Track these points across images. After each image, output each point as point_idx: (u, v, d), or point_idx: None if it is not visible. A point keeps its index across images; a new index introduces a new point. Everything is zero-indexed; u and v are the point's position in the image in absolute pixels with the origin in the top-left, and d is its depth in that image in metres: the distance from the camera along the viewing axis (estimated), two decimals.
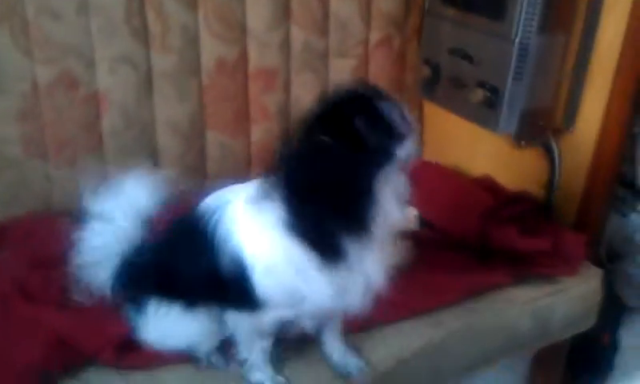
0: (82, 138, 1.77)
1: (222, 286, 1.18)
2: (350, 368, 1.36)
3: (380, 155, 1.09)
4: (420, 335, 1.45)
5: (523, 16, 1.62)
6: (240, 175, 1.96)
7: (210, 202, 1.24)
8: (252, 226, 1.16)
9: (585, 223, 1.83)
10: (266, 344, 1.29)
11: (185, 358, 1.32)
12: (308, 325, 1.28)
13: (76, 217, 1.69)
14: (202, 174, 1.96)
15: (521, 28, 1.63)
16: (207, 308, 1.27)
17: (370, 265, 1.14)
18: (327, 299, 1.16)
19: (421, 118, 2.28)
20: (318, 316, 1.28)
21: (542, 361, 1.91)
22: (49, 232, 1.65)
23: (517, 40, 1.64)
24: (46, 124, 1.72)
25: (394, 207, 1.13)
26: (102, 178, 1.68)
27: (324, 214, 1.07)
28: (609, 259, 2.23)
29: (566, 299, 1.66)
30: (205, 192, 1.28)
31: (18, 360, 1.26)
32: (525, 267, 1.66)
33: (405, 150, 1.10)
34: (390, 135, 1.09)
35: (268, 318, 1.22)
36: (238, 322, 1.25)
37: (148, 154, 1.86)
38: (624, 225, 2.23)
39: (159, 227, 1.35)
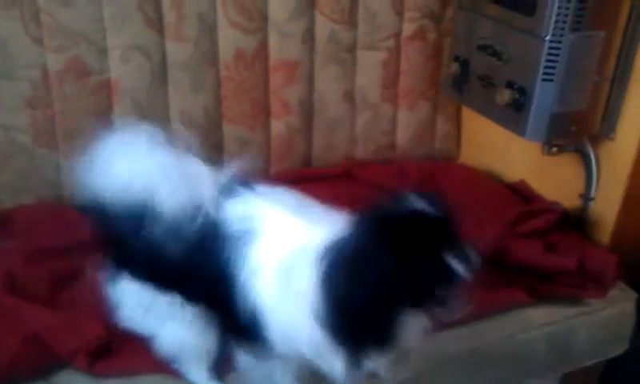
0: (93, 128, 1.73)
1: (236, 319, 1.12)
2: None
3: (423, 303, 1.03)
4: (413, 360, 1.33)
5: (555, 11, 1.47)
6: (259, 172, 1.92)
7: (238, 212, 1.13)
8: (279, 290, 1.07)
9: (622, 239, 1.67)
10: None
11: (161, 366, 1.26)
12: None
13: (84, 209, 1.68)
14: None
15: (552, 25, 1.49)
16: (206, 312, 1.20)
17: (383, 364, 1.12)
18: (338, 375, 1.09)
19: (458, 118, 2.16)
20: None
21: (571, 382, 1.76)
22: (54, 223, 1.65)
23: (547, 37, 1.50)
24: (55, 113, 1.69)
25: (415, 335, 1.08)
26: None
27: (355, 327, 1.01)
28: None
29: (591, 323, 1.52)
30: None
31: None
32: (548, 286, 1.53)
33: (451, 311, 1.04)
34: (444, 294, 1.02)
35: (281, 368, 1.17)
36: (250, 366, 1.19)
37: None
38: None
39: None
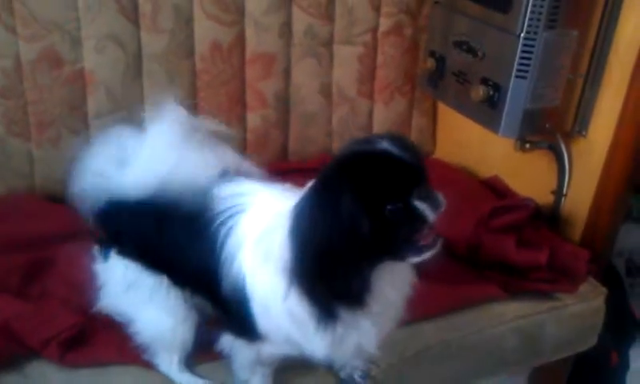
0: (66, 119, 1.72)
1: (222, 300, 1.12)
2: (356, 376, 1.30)
3: (394, 251, 1.00)
4: (390, 349, 1.34)
5: (529, 9, 1.49)
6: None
7: (225, 198, 1.14)
8: (258, 259, 1.07)
9: (594, 235, 1.69)
10: (267, 370, 1.22)
11: (133, 357, 1.26)
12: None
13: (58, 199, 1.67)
14: None
15: (527, 22, 1.50)
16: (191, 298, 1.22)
17: (366, 330, 1.07)
18: (321, 352, 1.09)
19: (434, 114, 2.17)
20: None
21: (541, 378, 1.79)
22: (26, 214, 1.63)
23: (522, 35, 1.51)
24: (28, 102, 1.67)
25: (395, 292, 1.07)
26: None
27: (323, 280, 0.99)
28: (629, 273, 2.10)
29: (561, 318, 1.54)
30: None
31: None
32: (519, 281, 1.54)
33: (420, 258, 1.02)
34: (412, 239, 1.00)
35: (267, 351, 1.16)
36: (236, 348, 1.18)
37: None
38: None
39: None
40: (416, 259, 1.01)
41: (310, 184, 1.03)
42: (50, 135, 1.71)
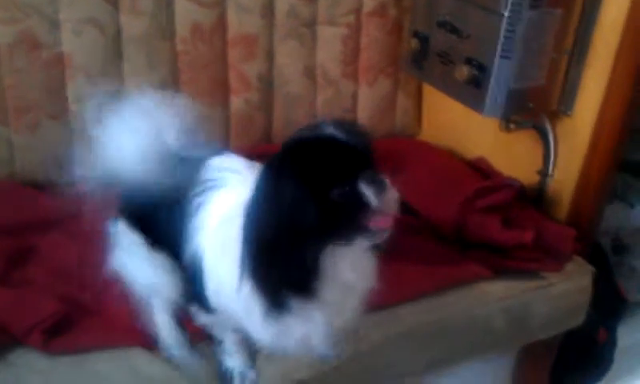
0: (45, 104, 1.69)
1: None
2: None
3: (343, 234, 0.98)
4: (376, 330, 1.34)
5: None
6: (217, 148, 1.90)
7: (207, 171, 1.13)
8: (217, 247, 1.08)
9: (579, 214, 1.69)
10: (236, 336, 1.22)
11: (116, 343, 1.25)
12: None
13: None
14: None
15: (510, 1, 1.48)
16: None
17: (316, 321, 1.05)
18: (266, 339, 1.09)
19: (419, 95, 2.15)
20: None
21: (529, 356, 1.79)
22: (7, 201, 1.61)
23: (506, 14, 1.49)
24: (6, 87, 1.64)
25: (350, 278, 1.04)
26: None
27: (270, 267, 0.98)
28: (615, 251, 2.10)
29: (547, 297, 1.54)
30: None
31: None
32: (506, 261, 1.54)
33: (371, 240, 1.00)
34: (359, 222, 0.97)
35: (222, 322, 1.17)
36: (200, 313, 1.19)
37: None
38: (631, 215, 2.10)
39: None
40: (366, 243, 1.00)
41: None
42: (29, 121, 1.68)
